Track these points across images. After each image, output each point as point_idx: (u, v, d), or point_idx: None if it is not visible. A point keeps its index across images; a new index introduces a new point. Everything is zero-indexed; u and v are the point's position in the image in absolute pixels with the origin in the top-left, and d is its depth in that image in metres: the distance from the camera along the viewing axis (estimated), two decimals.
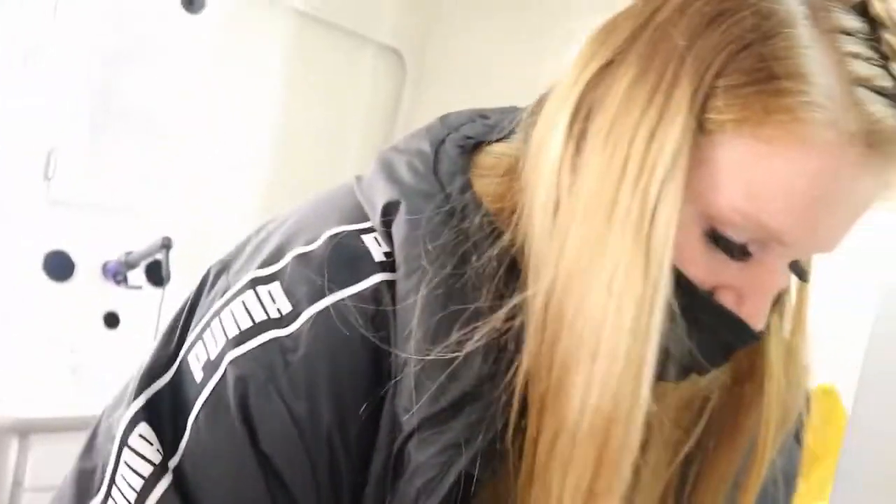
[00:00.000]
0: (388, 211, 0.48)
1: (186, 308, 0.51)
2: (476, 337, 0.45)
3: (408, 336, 0.45)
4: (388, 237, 0.47)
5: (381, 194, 0.48)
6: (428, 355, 0.44)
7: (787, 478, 0.58)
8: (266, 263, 0.48)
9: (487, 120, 0.54)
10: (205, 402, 0.46)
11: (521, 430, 0.46)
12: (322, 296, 0.46)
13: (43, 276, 2.00)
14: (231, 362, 0.45)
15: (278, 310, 0.46)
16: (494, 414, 0.45)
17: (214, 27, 2.18)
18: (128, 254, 2.08)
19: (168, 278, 2.03)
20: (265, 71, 2.36)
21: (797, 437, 0.60)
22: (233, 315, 0.47)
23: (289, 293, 0.46)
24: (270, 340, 0.45)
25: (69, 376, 1.96)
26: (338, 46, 2.51)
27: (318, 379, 0.45)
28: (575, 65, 0.47)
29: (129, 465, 0.46)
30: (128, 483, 0.46)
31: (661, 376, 0.46)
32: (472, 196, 0.48)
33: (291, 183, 2.38)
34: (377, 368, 0.46)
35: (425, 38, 2.67)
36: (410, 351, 0.45)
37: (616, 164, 0.43)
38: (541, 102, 0.50)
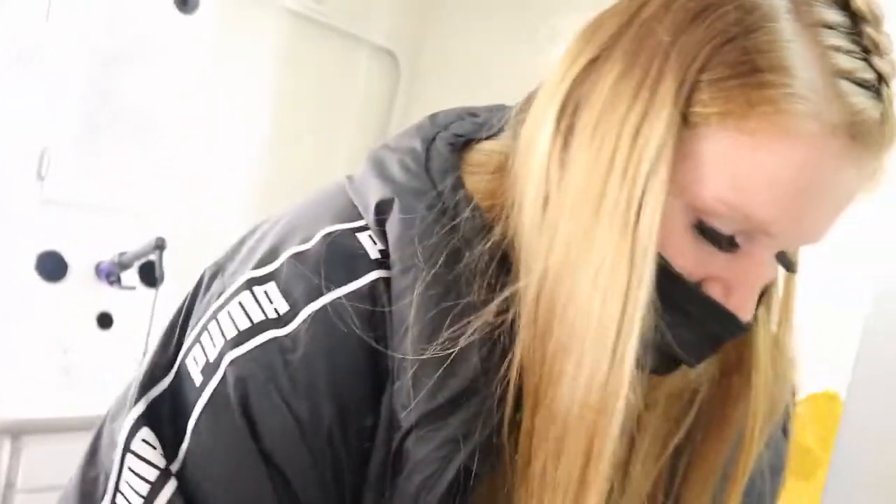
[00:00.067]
0: (382, 209, 0.48)
1: (182, 312, 0.51)
2: (470, 331, 0.45)
3: (404, 333, 0.45)
4: (383, 235, 0.48)
5: (374, 192, 0.49)
6: (424, 352, 0.45)
7: (773, 470, 0.59)
8: (261, 264, 0.48)
9: (476, 118, 0.55)
10: (206, 404, 0.46)
11: (516, 423, 0.46)
12: (319, 294, 0.46)
13: (36, 277, 1.99)
14: (230, 363, 0.46)
15: (275, 310, 0.46)
16: (491, 408, 0.46)
17: (208, 27, 2.19)
18: (121, 254, 2.08)
19: (161, 279, 2.03)
20: (259, 71, 2.36)
21: (784, 430, 0.60)
22: (230, 316, 0.47)
23: (286, 293, 0.47)
24: (269, 340, 0.46)
25: (62, 377, 1.96)
26: (332, 47, 2.51)
27: (318, 378, 0.45)
28: (562, 62, 0.48)
29: (133, 471, 0.46)
30: (133, 489, 0.46)
31: (650, 369, 0.46)
32: (464, 193, 0.48)
33: (285, 184, 2.39)
34: (375, 366, 0.46)
35: (419, 40, 2.67)
36: (407, 348, 0.45)
37: (603, 159, 0.44)
38: (529, 100, 0.51)
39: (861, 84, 0.42)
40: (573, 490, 0.44)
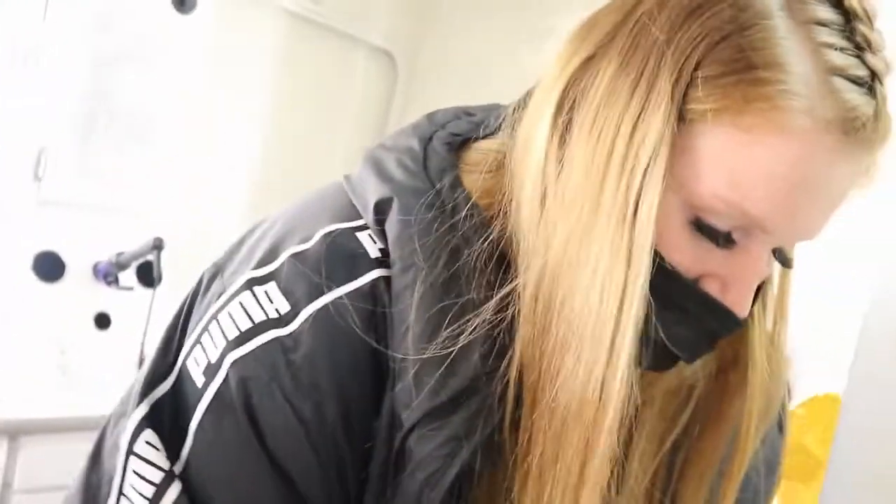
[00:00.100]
0: (381, 208, 0.48)
1: (182, 313, 0.51)
2: (470, 329, 0.45)
3: (405, 332, 0.46)
4: (382, 234, 0.48)
5: (373, 192, 0.49)
6: (425, 351, 0.45)
7: (769, 466, 0.59)
8: (261, 264, 0.48)
9: (473, 117, 0.55)
10: (208, 405, 0.46)
11: (517, 420, 0.47)
12: (320, 294, 0.46)
13: (33, 277, 1.99)
14: (233, 364, 0.46)
15: (277, 309, 0.46)
16: (492, 405, 0.46)
17: (206, 27, 2.18)
18: (119, 254, 2.08)
19: (159, 279, 2.03)
20: (257, 72, 2.36)
21: (780, 427, 0.61)
22: (231, 317, 0.47)
23: (286, 292, 0.47)
24: (271, 340, 0.46)
25: (59, 377, 1.96)
26: (330, 48, 2.51)
27: (321, 377, 0.45)
28: (558, 60, 0.48)
29: (137, 473, 0.46)
30: (137, 492, 0.46)
31: (647, 365, 0.46)
32: (462, 192, 0.49)
33: (282, 184, 2.38)
34: (377, 365, 0.46)
35: (417, 40, 2.68)
36: (408, 347, 0.45)
37: (600, 156, 0.44)
38: (525, 99, 0.51)
39: (854, 81, 0.43)
40: (572, 485, 0.44)
